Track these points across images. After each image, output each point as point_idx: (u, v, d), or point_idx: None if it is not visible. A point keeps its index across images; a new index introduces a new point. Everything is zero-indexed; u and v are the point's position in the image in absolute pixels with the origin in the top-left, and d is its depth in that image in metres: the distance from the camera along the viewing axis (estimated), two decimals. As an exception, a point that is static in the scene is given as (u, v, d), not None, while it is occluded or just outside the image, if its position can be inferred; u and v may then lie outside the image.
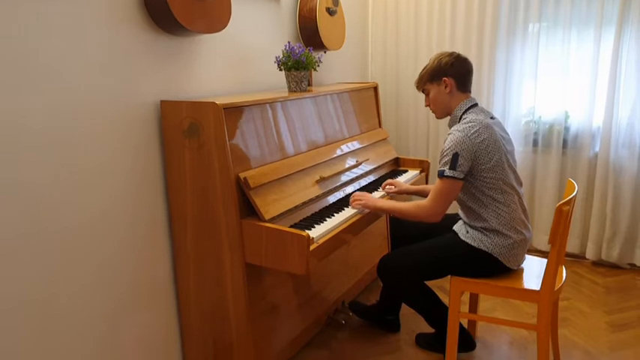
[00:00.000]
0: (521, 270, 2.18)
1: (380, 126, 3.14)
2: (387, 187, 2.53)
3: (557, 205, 1.89)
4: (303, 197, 2.13)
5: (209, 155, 1.90)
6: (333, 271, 2.64)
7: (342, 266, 2.72)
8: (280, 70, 2.44)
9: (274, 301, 2.17)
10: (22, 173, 1.55)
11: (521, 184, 2.16)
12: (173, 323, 2.17)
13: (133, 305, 1.96)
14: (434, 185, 2.08)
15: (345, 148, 2.60)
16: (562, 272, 2.17)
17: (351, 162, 2.57)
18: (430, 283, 2.35)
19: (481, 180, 2.05)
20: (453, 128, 2.10)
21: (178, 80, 2.10)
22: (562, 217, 1.89)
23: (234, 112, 1.93)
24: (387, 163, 2.96)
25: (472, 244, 2.10)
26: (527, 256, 2.25)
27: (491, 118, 2.13)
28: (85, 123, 1.73)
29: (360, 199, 2.25)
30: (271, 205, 1.95)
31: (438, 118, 2.29)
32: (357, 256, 2.88)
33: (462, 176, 2.01)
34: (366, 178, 2.68)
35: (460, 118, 2.15)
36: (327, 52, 3.14)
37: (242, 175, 1.89)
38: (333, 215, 2.16)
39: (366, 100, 3.03)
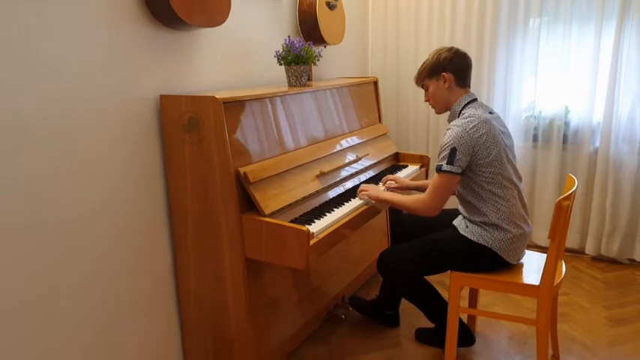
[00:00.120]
0: (521, 265, 2.18)
1: (380, 121, 3.14)
2: (388, 182, 2.53)
3: (557, 200, 1.89)
4: (303, 192, 2.13)
5: (209, 150, 1.90)
6: (333, 266, 2.64)
7: (342, 261, 2.72)
8: (280, 64, 2.44)
9: (274, 296, 2.18)
10: (22, 168, 1.54)
11: (520, 179, 2.16)
12: (173, 318, 2.17)
13: (133, 300, 1.96)
14: (432, 180, 2.09)
15: (345, 143, 2.59)
16: (562, 267, 2.17)
17: (351, 157, 2.57)
18: (430, 278, 2.35)
19: (480, 175, 2.05)
20: (451, 123, 2.10)
21: (178, 75, 2.09)
22: (562, 212, 1.89)
23: (233, 106, 1.92)
24: (387, 158, 2.95)
25: (472, 238, 2.10)
26: (526, 251, 2.25)
27: (490, 112, 2.13)
28: (84, 118, 1.72)
29: (366, 190, 2.28)
30: (271, 200, 1.95)
31: (437, 113, 2.29)
32: (357, 251, 2.88)
33: (459, 171, 2.01)
34: (366, 173, 2.67)
35: (459, 113, 2.15)
36: (327, 47, 3.13)
37: (242, 170, 1.89)
38: (333, 210, 2.16)
39: (366, 95, 3.02)
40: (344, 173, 2.47)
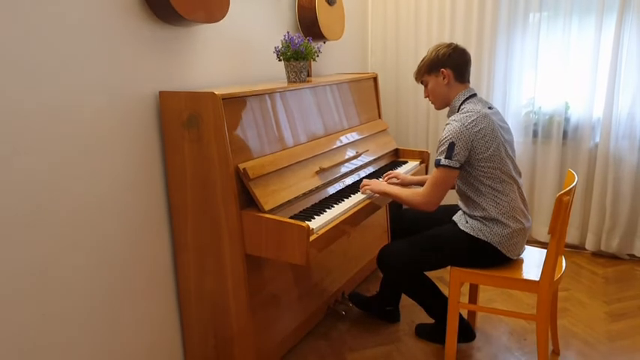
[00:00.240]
0: (521, 260, 2.18)
1: (380, 117, 3.13)
2: (390, 179, 2.53)
3: (557, 195, 1.89)
4: (302, 188, 2.12)
5: (208, 146, 1.89)
6: (333, 262, 2.65)
7: (342, 257, 2.72)
8: (279, 60, 2.43)
9: (274, 292, 2.18)
10: (21, 165, 1.54)
11: (520, 174, 2.17)
12: (173, 314, 2.18)
13: (133, 297, 1.97)
14: (430, 174, 2.09)
15: (345, 139, 2.59)
16: (562, 263, 2.17)
17: (350, 153, 2.57)
18: (430, 274, 2.36)
19: (479, 169, 2.05)
20: (450, 118, 2.10)
21: (177, 71, 2.09)
22: (562, 207, 1.89)
23: (233, 102, 1.92)
24: (386, 154, 2.95)
25: (471, 233, 2.10)
26: (526, 246, 2.25)
27: (490, 108, 2.14)
28: (83, 115, 1.72)
29: (368, 184, 2.30)
30: (271, 196, 1.95)
31: (437, 109, 2.30)
32: (357, 248, 2.89)
33: (457, 165, 2.02)
34: (365, 169, 2.67)
35: (458, 109, 2.15)
36: (327, 43, 3.12)
37: (241, 166, 1.89)
38: (333, 206, 2.16)
39: (366, 91, 3.02)
40: (344, 169, 2.47)
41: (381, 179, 2.56)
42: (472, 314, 2.55)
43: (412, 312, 2.69)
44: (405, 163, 2.97)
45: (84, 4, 1.68)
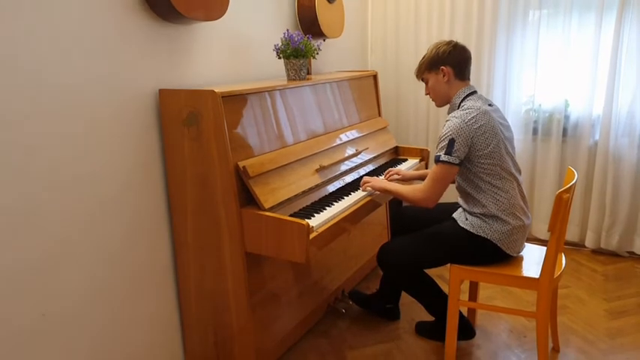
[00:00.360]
0: (521, 258, 2.18)
1: (379, 115, 3.13)
2: (390, 176, 2.54)
3: (557, 192, 1.89)
4: (302, 186, 2.12)
5: (208, 144, 1.89)
6: (333, 260, 2.65)
7: (342, 255, 2.72)
8: (279, 58, 2.43)
9: (274, 290, 2.18)
10: (20, 163, 1.54)
11: (519, 172, 2.17)
12: (173, 313, 2.18)
13: (133, 296, 1.97)
14: (430, 170, 2.10)
15: (345, 136, 2.59)
16: (561, 260, 2.17)
17: (350, 151, 2.56)
18: (430, 272, 2.35)
19: (479, 166, 2.05)
20: (450, 115, 2.11)
21: (177, 69, 2.09)
22: (562, 205, 1.89)
23: (232, 100, 1.92)
24: (386, 151, 2.95)
25: (471, 230, 2.11)
26: (526, 244, 2.25)
27: (490, 105, 2.14)
28: (82, 113, 1.72)
29: (368, 182, 2.30)
30: (271, 194, 1.95)
31: (437, 106, 2.30)
32: (357, 245, 2.89)
33: (457, 162, 2.02)
34: (365, 167, 2.67)
35: (459, 106, 2.15)
36: (326, 40, 3.12)
37: (241, 164, 1.88)
38: (333, 204, 2.16)
39: (366, 89, 3.01)
40: (343, 167, 2.47)
41: (381, 177, 2.56)
42: (472, 312, 2.55)
43: (412, 310, 2.70)
44: (405, 160, 2.97)
45: (83, 3, 1.68)
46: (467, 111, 2.05)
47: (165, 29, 2.01)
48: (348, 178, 2.48)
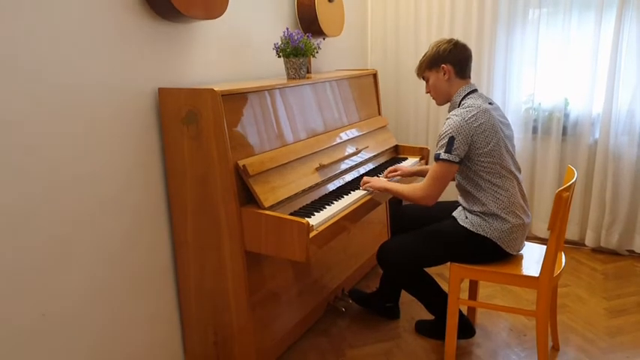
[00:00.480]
0: (521, 256, 2.18)
1: (379, 113, 3.13)
2: (390, 174, 2.54)
3: (557, 191, 1.88)
4: (302, 185, 2.12)
5: (208, 143, 1.89)
6: (333, 259, 2.65)
7: (341, 254, 2.72)
8: (279, 57, 2.43)
9: (274, 289, 2.18)
10: (19, 160, 1.54)
11: (519, 170, 2.17)
12: (173, 312, 2.18)
13: (133, 295, 1.97)
14: (430, 168, 2.10)
15: (345, 135, 2.59)
16: (561, 259, 2.17)
17: (350, 149, 2.56)
18: (430, 271, 2.36)
19: (479, 164, 2.05)
20: (450, 113, 2.11)
21: (176, 67, 2.08)
22: (562, 203, 1.89)
23: (232, 99, 1.91)
24: (386, 150, 2.95)
25: (471, 229, 2.11)
26: (526, 242, 2.25)
27: (490, 103, 2.14)
28: (82, 111, 1.71)
29: (368, 181, 2.31)
30: (270, 193, 1.95)
31: (438, 104, 2.30)
32: (357, 244, 2.89)
33: (457, 160, 2.02)
34: (365, 166, 2.67)
35: (459, 104, 2.15)
36: (326, 39, 3.12)
37: (241, 163, 1.88)
38: (333, 203, 2.15)
39: (366, 88, 3.01)
40: (343, 166, 2.47)
41: (381, 176, 2.56)
42: (472, 310, 2.55)
43: (412, 308, 2.70)
44: (405, 159, 2.97)
45: (82, 2, 1.68)
46: (467, 109, 2.05)
47: (164, 28, 2.00)
48: (348, 177, 2.48)
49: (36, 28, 1.55)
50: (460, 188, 2.20)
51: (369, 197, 2.29)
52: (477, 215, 2.12)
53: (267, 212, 1.87)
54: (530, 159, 3.48)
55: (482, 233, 2.08)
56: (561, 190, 1.89)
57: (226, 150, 1.85)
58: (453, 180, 2.18)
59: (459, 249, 2.14)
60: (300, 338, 2.45)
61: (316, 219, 1.97)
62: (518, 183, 2.13)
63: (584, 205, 3.39)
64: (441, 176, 2.05)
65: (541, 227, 3.50)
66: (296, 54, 2.38)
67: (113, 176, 1.85)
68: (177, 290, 2.17)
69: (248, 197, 1.93)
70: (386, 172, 2.57)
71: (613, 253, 3.34)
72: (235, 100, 1.93)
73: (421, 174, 2.54)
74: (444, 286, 2.32)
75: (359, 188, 2.34)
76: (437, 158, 2.05)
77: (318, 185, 2.25)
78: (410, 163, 2.88)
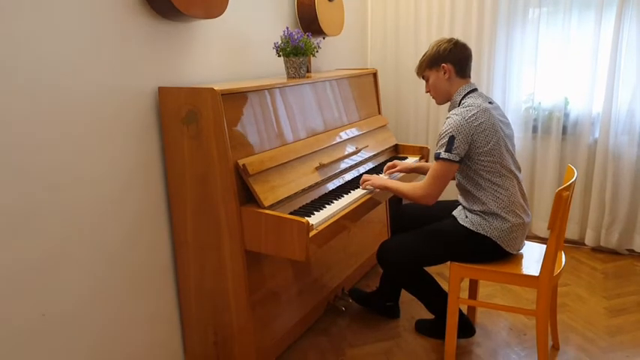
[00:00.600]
0: (521, 256, 2.18)
1: (379, 113, 3.13)
2: (389, 171, 2.55)
3: (557, 190, 1.88)
4: (302, 184, 2.12)
5: (208, 142, 1.89)
6: (333, 258, 2.65)
7: (341, 253, 2.72)
8: (279, 56, 2.43)
9: (274, 288, 2.18)
10: (19, 159, 1.54)
11: (519, 169, 2.17)
12: (173, 312, 2.18)
13: (133, 295, 1.96)
14: (430, 167, 2.10)
15: (345, 134, 2.58)
16: (561, 258, 2.17)
17: (350, 149, 2.56)
18: (430, 270, 2.36)
19: (479, 163, 2.05)
20: (450, 112, 2.11)
21: (176, 67, 2.08)
22: (561, 203, 1.89)
23: (232, 98, 1.91)
24: (386, 149, 2.95)
25: (471, 228, 2.11)
26: (526, 242, 2.25)
27: (490, 102, 2.14)
28: (81, 111, 1.71)
29: (368, 179, 2.31)
30: (270, 192, 1.95)
31: (438, 103, 2.30)
32: (357, 243, 2.89)
33: (457, 159, 2.02)
34: (365, 165, 2.67)
35: (459, 103, 2.15)
36: (326, 39, 3.11)
37: (241, 162, 1.88)
38: (333, 202, 2.15)
39: (366, 87, 3.01)
40: (343, 165, 2.47)
41: (381, 174, 2.56)
42: (472, 310, 2.55)
43: (412, 308, 2.70)
44: (404, 158, 2.96)
45: (82, 1, 1.67)
46: (467, 108, 2.05)
47: (164, 27, 2.00)
48: (348, 176, 2.48)
49: (36, 27, 1.55)
50: (460, 187, 2.20)
51: (369, 196, 2.28)
52: (477, 214, 2.12)
53: (267, 211, 1.87)
54: (530, 158, 3.48)
55: (482, 232, 2.08)
56: (561, 189, 1.89)
57: (226, 149, 1.85)
58: (453, 179, 2.18)
59: (459, 248, 2.14)
60: (300, 337, 2.45)
61: (316, 218, 1.97)
62: (518, 182, 2.13)
63: (584, 204, 3.39)
64: (441, 175, 2.06)
65: (541, 226, 3.50)
66: (296, 53, 2.37)
67: (113, 176, 1.84)
68: (177, 290, 2.17)
69: (248, 197, 1.93)
70: (385, 167, 2.58)
71: (613, 253, 3.34)
72: (235, 99, 1.93)
73: (420, 170, 2.54)
74: (444, 286, 2.32)
75: (359, 187, 2.34)
76: (437, 157, 2.05)
77: (317, 184, 2.25)
78: (410, 162, 2.87)
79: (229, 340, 2.09)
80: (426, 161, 3.04)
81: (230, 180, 1.88)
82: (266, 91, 2.11)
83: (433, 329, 2.44)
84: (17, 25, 1.50)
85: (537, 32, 3.32)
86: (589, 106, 3.25)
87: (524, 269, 2.07)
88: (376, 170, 2.68)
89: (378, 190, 2.32)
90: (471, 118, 2.02)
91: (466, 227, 2.12)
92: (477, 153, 2.04)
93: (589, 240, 3.37)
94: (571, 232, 3.42)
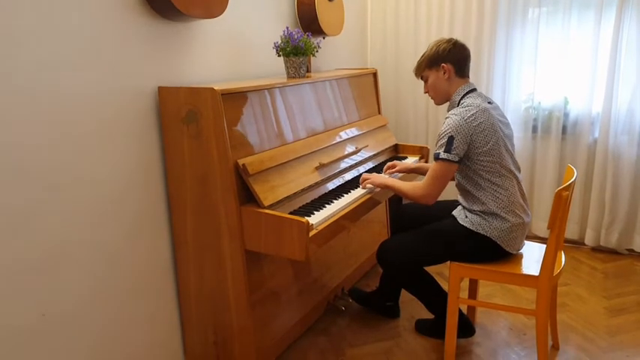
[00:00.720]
0: (521, 255, 2.18)
1: (379, 112, 3.13)
2: (389, 170, 2.55)
3: (557, 190, 1.89)
4: (302, 184, 2.12)
5: (208, 142, 1.89)
6: (333, 258, 2.65)
7: (341, 253, 2.72)
8: (279, 56, 2.43)
9: (274, 288, 2.18)
10: (20, 163, 1.54)
11: (519, 169, 2.17)
12: (173, 312, 2.18)
13: (133, 295, 1.96)
14: (430, 167, 2.10)
15: (344, 134, 2.58)
16: (561, 258, 2.17)
17: (350, 148, 2.56)
18: (429, 270, 2.36)
19: (478, 163, 2.06)
20: (450, 112, 2.11)
21: (176, 66, 2.08)
22: (561, 202, 1.89)
23: (232, 98, 1.91)
24: (386, 149, 2.95)
25: (470, 228, 2.11)
26: (526, 241, 2.25)
27: (489, 102, 2.14)
28: (81, 110, 1.71)
29: (368, 177, 2.31)
30: (270, 192, 1.95)
31: (437, 104, 2.30)
32: (357, 243, 2.89)
33: (456, 159, 2.02)
34: (365, 165, 2.67)
35: (458, 103, 2.16)
36: (326, 38, 3.11)
37: (241, 162, 1.88)
38: (333, 202, 2.15)
39: (366, 87, 3.01)
40: (343, 165, 2.47)
41: (381, 173, 2.56)
42: (472, 309, 2.55)
43: (412, 307, 2.70)
44: (404, 158, 2.97)
45: (82, 1, 1.67)
46: (466, 108, 2.05)
47: (164, 27, 2.00)
48: (348, 176, 2.48)
49: (36, 27, 1.55)
50: (460, 187, 2.20)
51: (368, 196, 2.29)
52: (477, 214, 2.12)
53: (267, 211, 1.87)
54: (529, 158, 3.48)
55: (482, 232, 2.09)
56: (561, 189, 1.89)
57: (226, 149, 1.85)
58: (453, 179, 2.18)
59: (459, 248, 2.14)
60: (300, 337, 2.45)
61: (316, 218, 1.97)
62: (518, 182, 2.13)
63: (584, 204, 3.39)
64: (440, 175, 2.06)
65: (541, 226, 3.50)
66: (296, 53, 2.37)
67: (113, 176, 1.84)
68: (177, 290, 2.17)
69: (248, 196, 1.93)
70: (385, 167, 2.58)
71: (613, 252, 3.34)
72: (235, 99, 1.93)
73: (420, 171, 2.55)
74: (444, 285, 2.32)
75: (359, 187, 2.34)
76: (436, 158, 2.05)
77: (317, 184, 2.25)
78: (410, 162, 2.87)
79: (229, 340, 2.09)
80: (426, 161, 3.04)
81: (230, 180, 1.88)
82: (266, 90, 2.11)
83: (433, 329, 2.44)
84: (17, 24, 1.50)
85: (537, 32, 3.32)
86: (589, 105, 3.25)
87: (524, 269, 2.07)
88: (376, 170, 2.68)
89: (378, 189, 2.32)
90: (470, 119, 2.02)
91: (466, 227, 2.12)
92: (476, 153, 2.04)
93: (589, 240, 3.37)
94: (571, 231, 3.42)
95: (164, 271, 2.11)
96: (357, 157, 2.60)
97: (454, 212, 2.25)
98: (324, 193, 2.27)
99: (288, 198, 2.05)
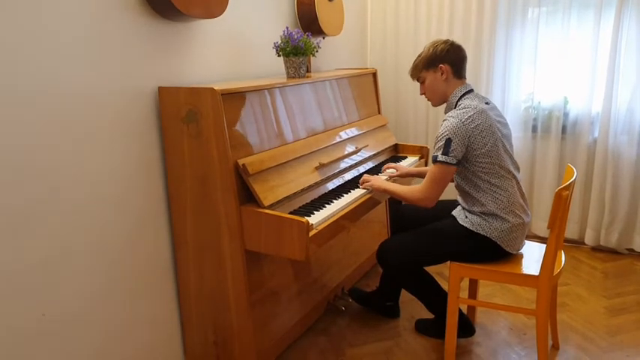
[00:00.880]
0: (521, 255, 2.18)
1: (379, 112, 3.13)
2: (389, 170, 2.54)
3: (557, 190, 1.89)
4: (302, 184, 2.12)
5: (208, 142, 1.89)
6: (333, 258, 2.65)
7: (341, 253, 2.72)
8: (279, 56, 2.43)
9: (274, 288, 2.18)
10: (20, 163, 1.54)
11: (518, 169, 2.17)
12: (173, 311, 2.18)
13: (133, 295, 1.96)
14: (428, 170, 2.10)
15: (344, 134, 2.59)
16: (561, 257, 2.17)
17: (350, 148, 2.56)
18: (429, 270, 2.36)
19: (477, 165, 2.06)
20: (447, 114, 2.11)
21: (176, 66, 2.08)
22: (561, 202, 1.89)
23: (232, 98, 1.91)
24: (386, 149, 2.95)
25: (470, 228, 2.11)
26: (526, 241, 2.25)
27: (487, 103, 2.14)
28: (81, 110, 1.71)
29: (368, 180, 2.31)
30: (270, 192, 1.95)
31: (434, 105, 2.30)
32: (357, 243, 2.89)
33: (454, 162, 2.02)
34: (365, 165, 2.67)
35: (456, 105, 2.16)
36: (326, 38, 3.12)
37: (241, 162, 1.88)
38: (333, 202, 2.15)
39: (365, 86, 3.01)
40: (343, 165, 2.47)
41: (381, 174, 2.56)
42: (472, 309, 2.55)
43: (412, 307, 2.70)
44: (404, 158, 2.97)
45: (81, 1, 1.67)
46: (463, 110, 2.05)
47: (164, 27, 2.00)
48: (348, 176, 2.48)
49: (36, 27, 1.55)
50: (459, 189, 2.20)
51: (368, 196, 2.29)
52: (477, 215, 2.12)
53: (267, 211, 1.87)
54: (529, 158, 3.48)
55: (482, 232, 2.09)
56: (561, 188, 1.89)
57: (226, 149, 1.85)
58: (452, 181, 2.18)
59: (459, 248, 2.14)
60: (300, 337, 2.45)
61: (316, 218, 1.97)
62: (517, 182, 2.13)
63: (584, 203, 3.39)
64: (439, 178, 2.06)
65: (541, 226, 3.50)
66: (296, 53, 2.38)
67: (113, 176, 1.84)
68: (177, 290, 2.17)
69: (248, 196, 1.93)
70: (384, 167, 2.58)
71: (613, 252, 3.35)
72: (235, 99, 1.93)
73: (420, 175, 2.54)
74: (444, 285, 2.32)
75: (359, 187, 2.34)
76: (434, 160, 2.05)
77: (317, 184, 2.25)
78: (409, 162, 2.88)
79: (229, 340, 2.09)
80: (426, 161, 3.04)
81: (230, 180, 1.88)
82: (266, 90, 2.11)
83: (433, 329, 2.44)
84: (17, 25, 1.50)
85: (537, 32, 3.32)
86: (588, 105, 3.25)
87: (524, 269, 2.07)
88: (376, 170, 2.68)
89: (376, 191, 2.32)
90: (468, 120, 2.02)
91: (466, 227, 2.12)
92: (474, 155, 2.04)
93: (589, 239, 3.37)
94: (571, 231, 3.42)
95: (164, 271, 2.11)
96: (357, 157, 2.60)
97: (454, 212, 2.25)
98: (324, 193, 2.27)
99: (288, 198, 2.05)
